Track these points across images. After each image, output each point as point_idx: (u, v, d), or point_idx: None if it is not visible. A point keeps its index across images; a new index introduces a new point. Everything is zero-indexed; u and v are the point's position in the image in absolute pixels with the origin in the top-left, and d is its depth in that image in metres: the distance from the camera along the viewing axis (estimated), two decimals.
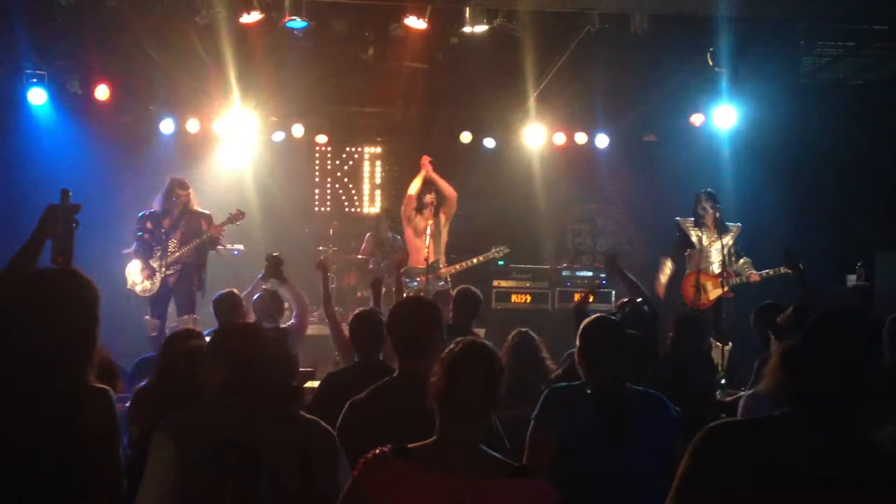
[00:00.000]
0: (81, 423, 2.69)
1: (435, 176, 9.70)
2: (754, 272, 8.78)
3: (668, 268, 9.02)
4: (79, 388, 2.73)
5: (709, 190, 9.01)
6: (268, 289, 6.56)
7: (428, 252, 9.18)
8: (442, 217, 9.55)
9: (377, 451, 2.48)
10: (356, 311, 4.85)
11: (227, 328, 3.04)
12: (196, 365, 3.18)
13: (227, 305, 6.13)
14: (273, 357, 2.90)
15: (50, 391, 2.69)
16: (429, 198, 9.48)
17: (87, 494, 2.70)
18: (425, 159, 9.76)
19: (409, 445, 2.49)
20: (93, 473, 2.71)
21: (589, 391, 3.57)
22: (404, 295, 7.00)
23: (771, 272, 8.63)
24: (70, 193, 3.51)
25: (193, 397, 2.94)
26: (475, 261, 9.56)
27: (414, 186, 9.63)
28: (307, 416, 2.90)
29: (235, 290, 6.40)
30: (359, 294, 10.46)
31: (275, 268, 6.27)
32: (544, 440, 3.48)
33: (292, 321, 6.36)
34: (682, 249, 9.01)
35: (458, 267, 9.51)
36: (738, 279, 8.81)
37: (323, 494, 2.70)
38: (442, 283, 9.43)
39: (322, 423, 2.90)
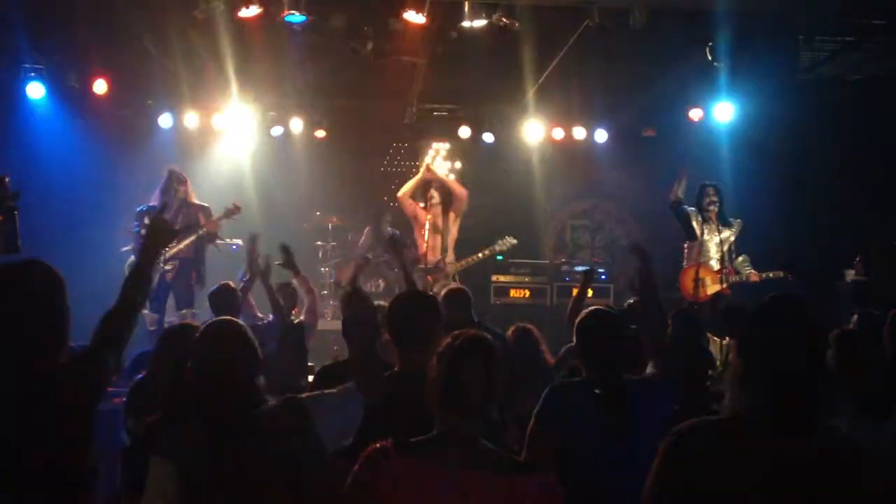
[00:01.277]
0: (56, 400, 2.73)
1: (444, 178, 9.66)
2: (753, 272, 8.77)
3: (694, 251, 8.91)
4: (48, 373, 2.76)
5: (714, 183, 9.00)
6: (284, 283, 6.56)
7: (427, 248, 9.14)
8: (451, 214, 9.47)
9: (378, 445, 2.47)
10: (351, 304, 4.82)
11: (203, 329, 3.02)
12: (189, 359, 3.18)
13: (221, 299, 6.14)
14: (243, 359, 2.86)
15: (18, 381, 2.72)
16: (430, 195, 9.43)
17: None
18: (428, 165, 9.72)
19: (412, 440, 2.47)
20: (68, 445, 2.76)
21: (590, 387, 3.56)
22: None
23: (771, 274, 8.62)
24: (7, 179, 3.45)
25: (188, 392, 2.94)
26: (481, 255, 9.50)
27: (404, 188, 9.58)
28: (275, 404, 2.89)
29: (231, 283, 6.40)
30: None
31: (289, 258, 6.27)
32: (545, 437, 3.48)
33: (304, 315, 6.37)
34: (690, 234, 8.95)
35: (464, 262, 9.44)
36: (737, 277, 8.80)
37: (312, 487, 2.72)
38: (452, 281, 9.24)
39: (290, 403, 2.89)
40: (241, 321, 3.04)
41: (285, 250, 6.24)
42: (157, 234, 3.19)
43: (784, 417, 2.27)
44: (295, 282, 6.50)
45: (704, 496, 2.23)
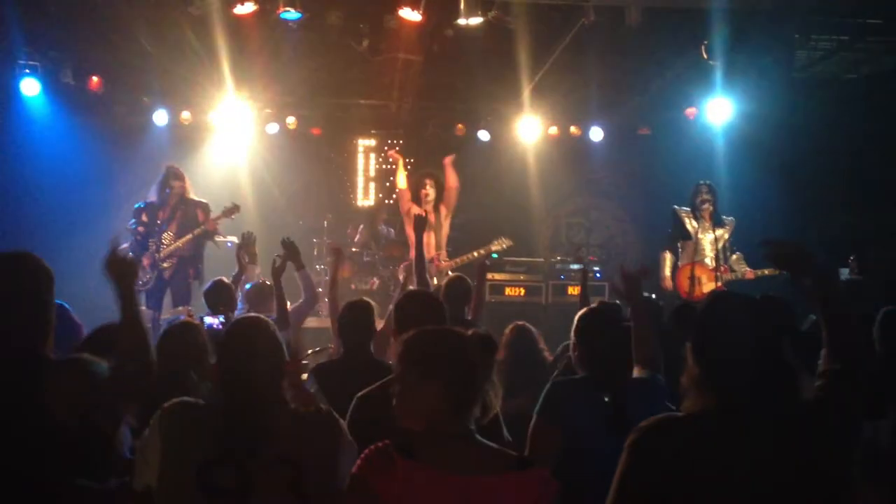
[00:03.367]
0: (45, 400, 2.69)
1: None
2: (749, 269, 8.78)
3: (668, 261, 9.04)
4: (37, 367, 2.73)
5: (708, 182, 9.01)
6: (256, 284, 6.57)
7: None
8: (442, 210, 9.46)
9: (379, 445, 2.44)
10: (347, 302, 4.81)
11: (231, 324, 2.99)
12: (191, 356, 3.17)
13: (217, 295, 6.14)
14: (264, 355, 2.82)
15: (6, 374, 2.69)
16: (424, 192, 9.41)
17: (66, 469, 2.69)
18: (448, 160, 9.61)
19: (410, 440, 2.44)
20: (65, 447, 2.70)
21: (591, 385, 3.56)
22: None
23: (766, 272, 8.63)
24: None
25: (190, 388, 2.93)
26: (476, 254, 9.49)
27: (402, 180, 9.57)
28: (303, 412, 2.83)
29: (225, 279, 6.40)
30: (352, 286, 10.45)
31: (293, 252, 6.19)
32: (547, 435, 3.48)
33: (293, 307, 6.34)
34: (678, 239, 9.01)
35: (458, 261, 9.44)
36: (733, 275, 8.81)
37: (320, 496, 2.67)
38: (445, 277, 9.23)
39: (321, 416, 2.85)
40: (268, 318, 3.02)
41: (292, 246, 6.18)
42: (117, 271, 3.05)
43: (743, 416, 2.32)
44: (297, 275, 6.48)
45: (669, 490, 2.27)
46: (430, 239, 9.29)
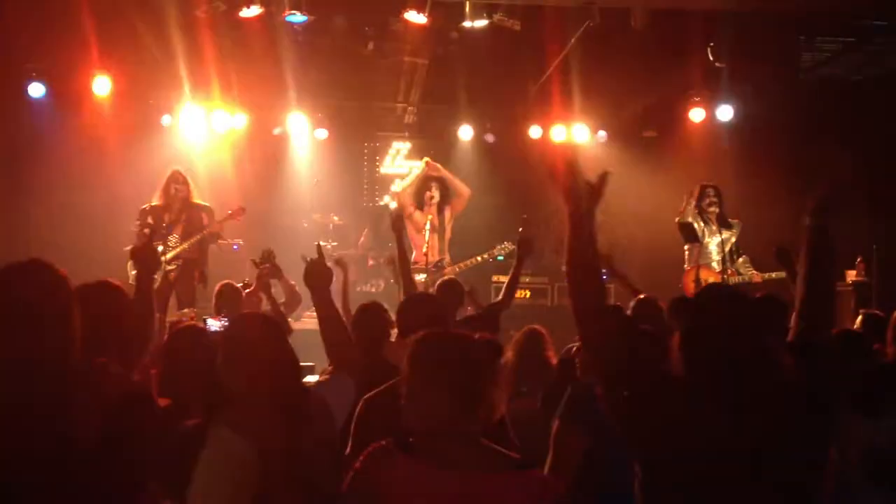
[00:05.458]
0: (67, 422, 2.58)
1: (447, 174, 9.64)
2: (756, 273, 8.74)
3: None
4: (62, 389, 2.61)
5: (714, 185, 9.00)
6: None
7: (428, 248, 9.14)
8: (447, 213, 9.46)
9: (381, 444, 2.46)
10: (360, 305, 4.79)
11: (238, 328, 3.03)
12: (199, 359, 3.17)
13: (225, 298, 6.16)
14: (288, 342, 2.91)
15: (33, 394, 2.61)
16: (429, 195, 9.42)
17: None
18: (428, 162, 9.67)
19: (412, 439, 2.46)
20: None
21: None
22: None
23: (773, 275, 8.60)
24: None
25: (197, 390, 2.93)
26: (479, 258, 9.49)
27: (403, 183, 9.59)
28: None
29: (233, 283, 6.42)
30: (357, 289, 10.44)
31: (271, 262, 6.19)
32: (572, 440, 3.46)
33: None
34: (692, 239, 8.94)
35: (462, 265, 9.44)
36: (739, 278, 8.78)
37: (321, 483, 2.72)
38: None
39: (317, 396, 2.92)
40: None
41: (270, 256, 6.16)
42: (143, 261, 3.18)
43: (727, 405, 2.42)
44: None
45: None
46: (434, 242, 9.30)
